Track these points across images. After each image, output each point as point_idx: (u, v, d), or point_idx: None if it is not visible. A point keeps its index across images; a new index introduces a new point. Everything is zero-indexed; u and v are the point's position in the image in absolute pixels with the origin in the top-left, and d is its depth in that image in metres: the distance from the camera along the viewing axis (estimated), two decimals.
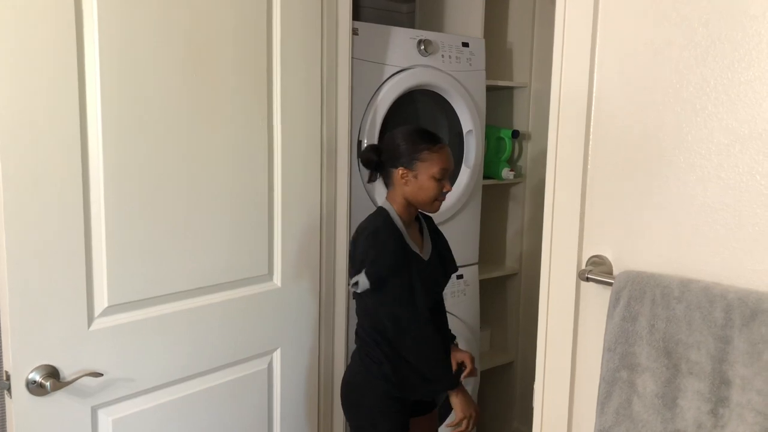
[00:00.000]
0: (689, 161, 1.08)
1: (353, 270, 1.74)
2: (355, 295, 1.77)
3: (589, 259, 1.22)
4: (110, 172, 1.34)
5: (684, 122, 1.08)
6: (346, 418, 1.86)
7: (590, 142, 1.21)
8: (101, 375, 1.34)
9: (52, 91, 1.23)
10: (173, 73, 1.42)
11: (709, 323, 0.98)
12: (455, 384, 1.71)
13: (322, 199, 1.83)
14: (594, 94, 1.20)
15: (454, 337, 1.92)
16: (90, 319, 1.33)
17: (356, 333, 1.83)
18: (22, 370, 1.23)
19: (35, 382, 1.24)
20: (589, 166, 1.22)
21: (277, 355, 1.75)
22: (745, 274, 1.01)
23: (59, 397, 1.28)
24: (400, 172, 1.74)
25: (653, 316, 1.05)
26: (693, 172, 1.07)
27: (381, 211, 1.77)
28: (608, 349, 1.12)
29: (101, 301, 1.35)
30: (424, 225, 1.87)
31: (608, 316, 1.13)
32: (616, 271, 1.18)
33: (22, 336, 1.23)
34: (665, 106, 1.10)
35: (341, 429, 1.99)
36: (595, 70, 1.20)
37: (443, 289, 1.89)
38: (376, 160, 1.78)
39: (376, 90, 2.12)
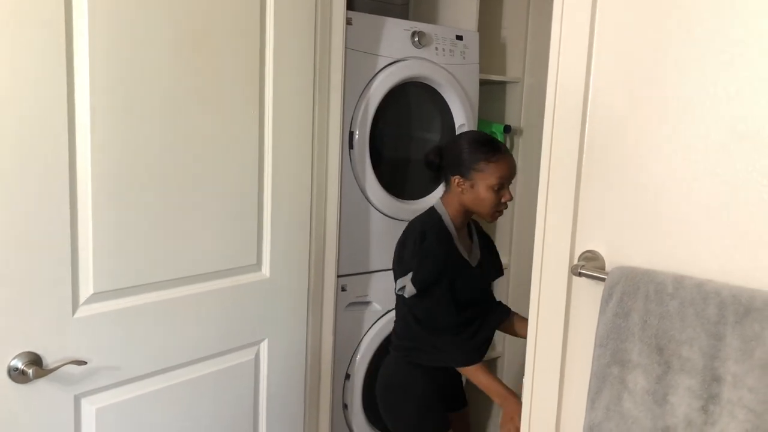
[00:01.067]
0: (685, 157, 1.07)
1: (400, 271, 1.74)
2: (400, 297, 1.77)
3: (582, 254, 1.21)
4: (98, 158, 1.31)
5: (681, 118, 1.07)
6: (386, 420, 1.85)
7: (585, 137, 1.21)
8: (85, 363, 1.31)
9: (40, 74, 1.20)
10: (164, 60, 1.40)
11: (702, 320, 0.98)
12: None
13: (313, 190, 1.81)
14: (590, 88, 1.19)
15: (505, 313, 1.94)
16: (75, 305, 1.31)
17: (394, 332, 1.82)
18: (4, 357, 1.20)
19: (17, 369, 1.21)
20: (584, 161, 1.21)
21: (264, 346, 1.73)
22: (738, 272, 1.00)
23: (42, 385, 1.26)
24: (457, 180, 1.75)
25: (646, 312, 1.05)
26: (689, 168, 1.07)
27: (432, 213, 1.79)
28: (599, 345, 1.11)
29: (87, 288, 1.32)
30: (474, 230, 1.88)
31: (600, 311, 1.12)
32: (608, 267, 1.17)
33: (4, 322, 1.20)
34: (662, 101, 1.09)
35: (327, 421, 1.98)
36: (592, 64, 1.19)
37: (490, 296, 1.89)
38: (437, 163, 1.78)
39: (369, 81, 2.10)
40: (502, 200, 1.72)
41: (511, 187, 1.81)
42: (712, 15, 1.03)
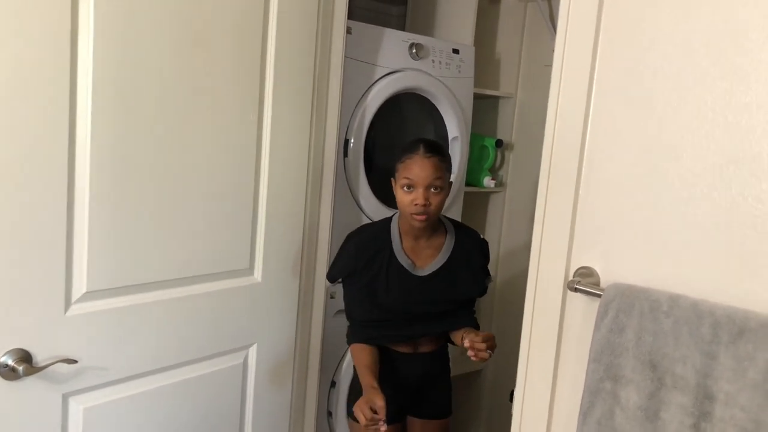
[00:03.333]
0: (683, 179, 1.10)
1: None
2: None
3: (578, 270, 1.23)
4: (97, 157, 1.30)
5: (680, 141, 1.10)
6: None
7: (585, 153, 1.23)
8: (75, 362, 1.30)
9: (42, 72, 1.19)
10: (164, 61, 1.40)
11: (696, 338, 1.00)
12: None
13: (307, 196, 1.82)
14: (591, 108, 1.22)
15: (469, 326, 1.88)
16: (67, 304, 1.30)
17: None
18: None
19: (7, 365, 1.20)
20: (582, 178, 1.23)
21: (253, 351, 1.73)
22: (732, 293, 1.03)
23: (31, 383, 1.24)
24: (392, 182, 1.77)
25: (641, 329, 1.07)
26: (686, 189, 1.09)
27: (388, 218, 1.84)
28: (593, 360, 1.13)
29: (80, 287, 1.31)
30: (449, 241, 1.81)
31: (595, 327, 1.14)
32: (603, 284, 1.19)
33: None
34: (662, 123, 1.12)
35: (312, 428, 1.98)
36: (594, 83, 1.21)
37: (440, 308, 1.80)
38: None
39: (366, 90, 2.11)
40: (413, 202, 1.66)
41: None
42: (713, 41, 1.06)
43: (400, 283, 1.76)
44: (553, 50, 1.29)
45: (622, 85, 1.17)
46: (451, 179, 1.77)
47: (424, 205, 1.66)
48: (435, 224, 1.79)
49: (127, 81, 1.33)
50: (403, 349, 1.86)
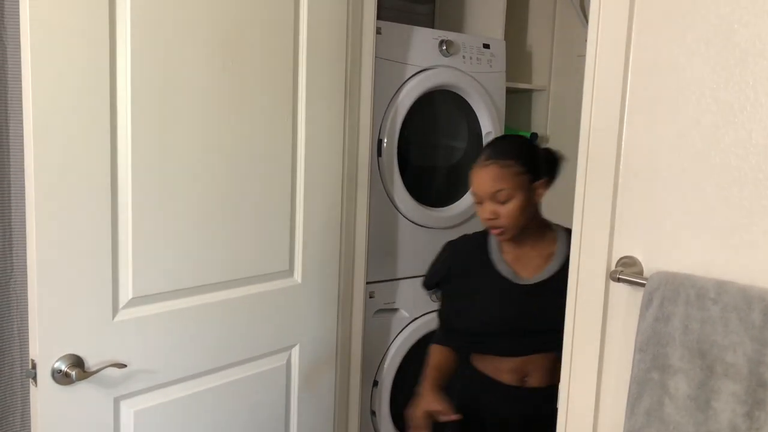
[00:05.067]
0: (725, 162, 1.07)
1: None
2: None
3: (620, 259, 1.21)
4: (138, 163, 1.34)
5: (721, 123, 1.07)
6: None
7: (623, 141, 1.21)
8: (125, 366, 1.33)
9: (84, 84, 1.24)
10: (203, 67, 1.43)
11: (746, 325, 0.97)
12: None
13: (343, 197, 1.83)
14: (627, 94, 1.19)
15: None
16: (115, 309, 1.33)
17: None
18: (48, 359, 1.23)
19: (61, 371, 1.24)
20: (621, 166, 1.21)
21: (295, 351, 1.74)
22: None
23: (83, 387, 1.28)
24: None
25: (687, 317, 1.04)
26: (729, 173, 1.07)
27: None
28: (639, 350, 1.11)
29: (126, 293, 1.35)
30: (561, 248, 1.58)
31: (640, 316, 1.12)
32: (646, 273, 1.17)
33: (49, 325, 1.23)
34: (701, 106, 1.09)
35: (356, 428, 1.99)
36: (630, 66, 1.19)
37: (549, 325, 1.44)
38: None
39: (398, 89, 2.12)
40: (483, 217, 1.52)
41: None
42: (752, 20, 1.03)
43: (501, 293, 1.57)
44: (585, 39, 1.27)
45: (659, 69, 1.15)
46: (534, 180, 1.54)
47: (491, 219, 1.50)
48: (540, 230, 1.61)
49: (166, 89, 1.36)
50: (507, 378, 1.58)
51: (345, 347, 1.92)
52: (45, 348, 1.22)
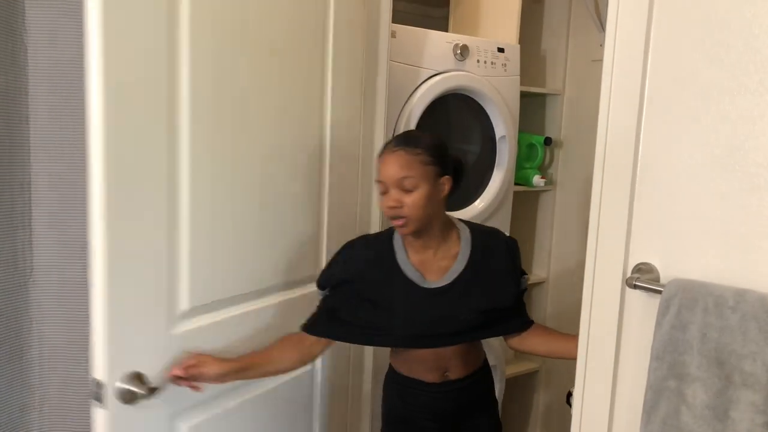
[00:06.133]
0: (744, 170, 1.06)
1: None
2: None
3: (636, 266, 1.20)
4: (195, 171, 1.32)
5: (740, 130, 1.06)
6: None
7: (640, 147, 1.20)
8: (200, 390, 1.32)
9: (148, 95, 1.22)
10: (251, 75, 1.43)
11: (766, 334, 0.96)
12: None
13: (358, 201, 1.84)
14: (645, 97, 1.19)
15: None
16: (172, 322, 1.32)
17: None
18: (112, 378, 1.20)
19: (124, 389, 1.21)
20: (638, 172, 1.21)
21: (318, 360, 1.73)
22: None
23: (144, 404, 1.25)
24: None
25: (705, 325, 1.04)
26: (748, 180, 1.06)
27: (390, 228, 1.59)
28: (656, 358, 1.10)
29: (183, 304, 1.34)
30: (464, 247, 1.56)
31: (657, 324, 1.11)
32: (663, 280, 1.16)
33: (112, 343, 1.19)
34: (720, 113, 1.09)
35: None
36: (647, 72, 1.18)
37: (472, 322, 1.55)
38: None
39: (411, 93, 2.12)
40: (386, 205, 1.45)
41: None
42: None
43: (408, 297, 1.52)
44: (600, 45, 1.26)
45: (678, 75, 1.14)
46: (442, 174, 1.49)
47: (395, 208, 1.44)
48: (445, 231, 1.56)
49: (221, 99, 1.37)
50: (430, 377, 1.62)
51: (358, 353, 1.92)
52: (109, 367, 1.19)
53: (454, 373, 1.64)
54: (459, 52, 2.21)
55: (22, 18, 1.42)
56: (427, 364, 1.62)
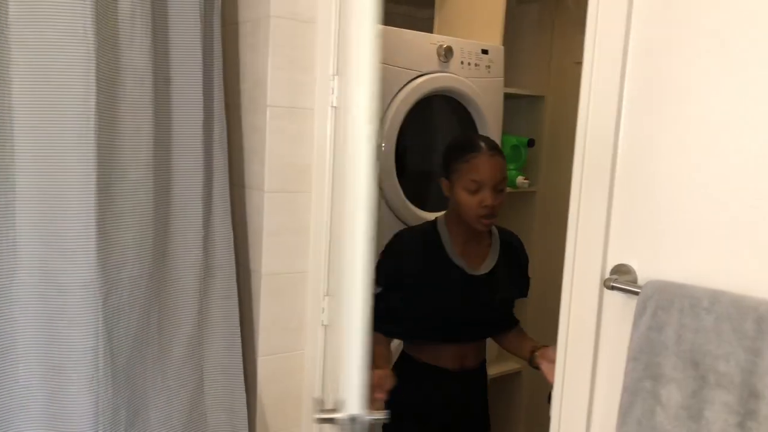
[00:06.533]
0: (720, 171, 1.07)
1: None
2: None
3: (614, 267, 1.21)
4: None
5: (719, 132, 1.07)
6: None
7: (618, 149, 1.21)
8: None
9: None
10: None
11: (739, 335, 0.97)
12: None
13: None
14: (624, 99, 1.19)
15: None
16: None
17: None
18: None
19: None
20: (616, 174, 1.21)
21: None
22: None
23: None
24: (443, 183, 1.69)
25: (681, 326, 1.04)
26: (724, 182, 1.07)
27: (431, 220, 1.76)
28: (632, 359, 1.11)
29: None
30: (495, 241, 1.77)
31: (633, 325, 1.12)
32: (641, 281, 1.17)
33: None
34: (698, 116, 1.09)
35: None
36: (626, 73, 1.19)
37: (496, 310, 1.75)
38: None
39: (395, 94, 2.12)
40: (482, 203, 1.58)
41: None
42: (748, 32, 1.03)
43: (459, 285, 1.68)
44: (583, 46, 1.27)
45: (656, 78, 1.15)
46: None
47: (494, 206, 1.59)
48: None
49: None
50: (450, 364, 1.73)
51: None
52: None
53: (471, 362, 1.77)
54: (443, 53, 2.22)
55: (5, 13, 1.38)
56: (451, 351, 1.73)
